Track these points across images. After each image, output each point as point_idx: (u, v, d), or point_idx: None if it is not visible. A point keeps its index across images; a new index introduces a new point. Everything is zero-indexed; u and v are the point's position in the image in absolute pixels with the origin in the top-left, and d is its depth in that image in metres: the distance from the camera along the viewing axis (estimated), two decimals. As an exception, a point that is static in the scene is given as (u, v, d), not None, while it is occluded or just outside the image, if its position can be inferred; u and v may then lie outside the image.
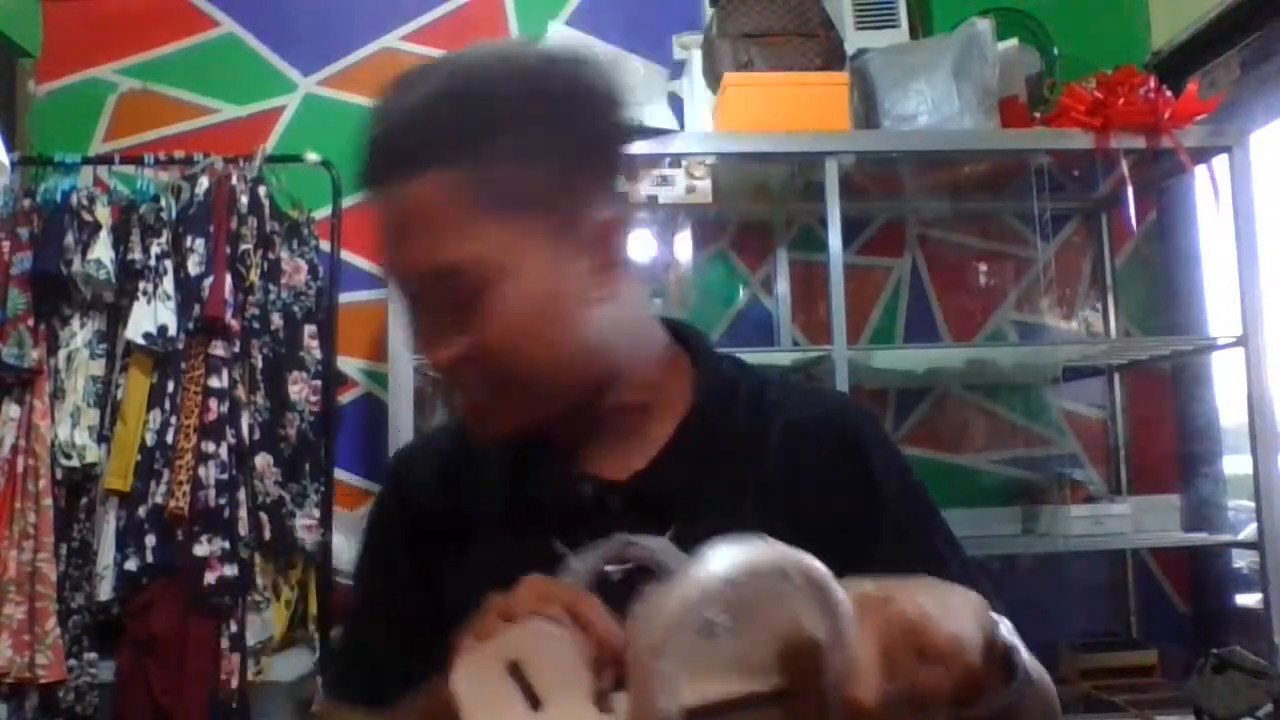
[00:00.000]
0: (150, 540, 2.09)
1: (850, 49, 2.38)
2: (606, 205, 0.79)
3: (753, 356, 2.25)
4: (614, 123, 0.80)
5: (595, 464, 0.84)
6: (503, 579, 0.75)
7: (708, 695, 0.55)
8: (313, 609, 2.25)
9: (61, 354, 2.19)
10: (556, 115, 0.77)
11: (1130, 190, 2.19)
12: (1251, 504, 2.11)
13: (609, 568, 0.71)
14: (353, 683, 0.93)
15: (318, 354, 2.31)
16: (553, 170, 0.77)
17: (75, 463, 2.14)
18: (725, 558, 0.55)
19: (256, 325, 2.23)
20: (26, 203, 2.22)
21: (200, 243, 2.19)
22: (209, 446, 2.12)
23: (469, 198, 0.74)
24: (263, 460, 2.20)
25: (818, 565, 0.57)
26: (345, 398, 2.50)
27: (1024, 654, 0.68)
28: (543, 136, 0.76)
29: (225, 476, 2.13)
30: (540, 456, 0.85)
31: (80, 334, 2.20)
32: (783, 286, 2.58)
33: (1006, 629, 0.67)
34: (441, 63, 0.79)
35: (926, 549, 0.85)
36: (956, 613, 0.61)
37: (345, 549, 2.29)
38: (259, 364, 2.23)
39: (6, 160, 1.98)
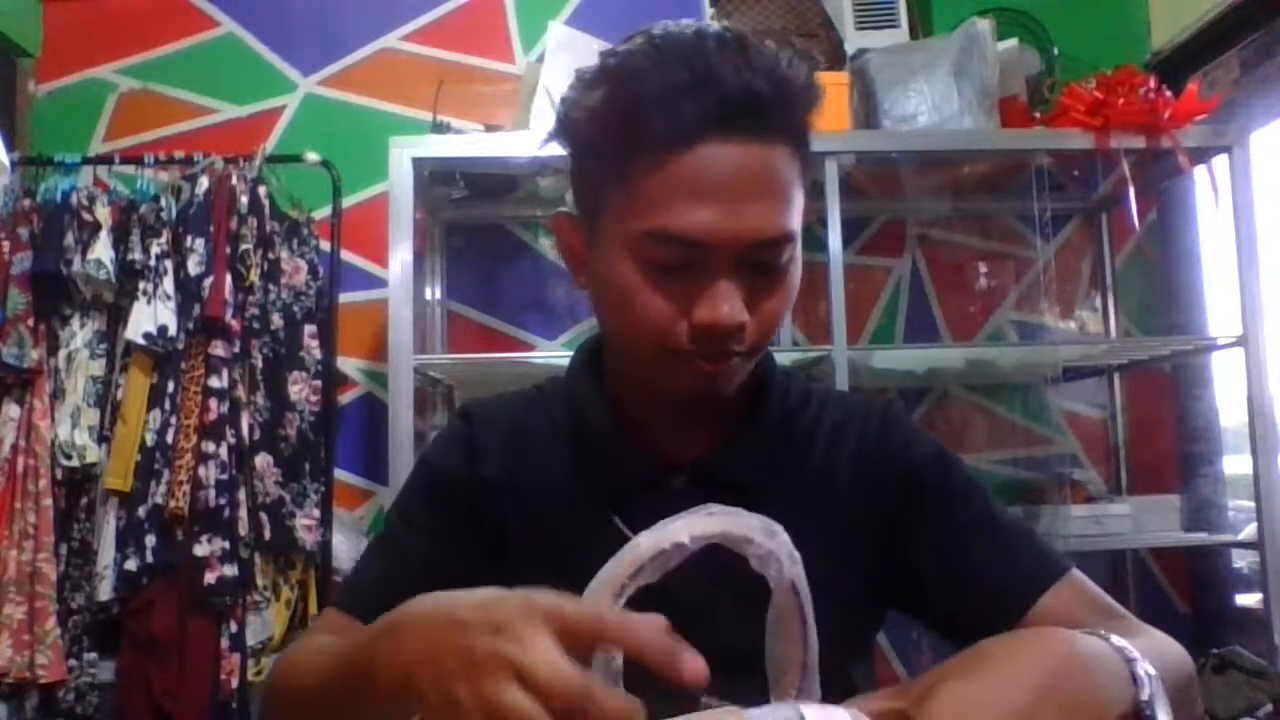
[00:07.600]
0: (150, 540, 2.10)
1: (850, 49, 2.37)
2: None
3: (753, 356, 2.27)
4: None
5: (660, 446, 0.87)
6: (564, 553, 0.78)
7: None
8: (313, 609, 2.24)
9: (61, 354, 2.19)
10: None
11: (1131, 190, 2.19)
12: (1251, 504, 2.11)
13: (687, 540, 0.58)
14: (368, 606, 0.85)
15: (318, 354, 2.31)
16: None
17: (75, 463, 2.14)
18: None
19: (256, 325, 2.23)
20: (26, 203, 2.22)
21: (200, 243, 2.19)
22: (209, 446, 2.12)
23: (800, 175, 0.79)
24: (263, 460, 2.20)
25: None
26: (345, 398, 2.50)
27: (1156, 682, 0.59)
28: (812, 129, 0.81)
29: (225, 476, 2.13)
30: (607, 434, 0.87)
31: (80, 334, 2.20)
32: (783, 286, 2.58)
33: (1142, 669, 0.59)
34: (739, 34, 0.76)
35: (978, 514, 0.89)
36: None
37: (345, 549, 2.29)
38: (259, 364, 2.23)
39: (6, 160, 1.97)
